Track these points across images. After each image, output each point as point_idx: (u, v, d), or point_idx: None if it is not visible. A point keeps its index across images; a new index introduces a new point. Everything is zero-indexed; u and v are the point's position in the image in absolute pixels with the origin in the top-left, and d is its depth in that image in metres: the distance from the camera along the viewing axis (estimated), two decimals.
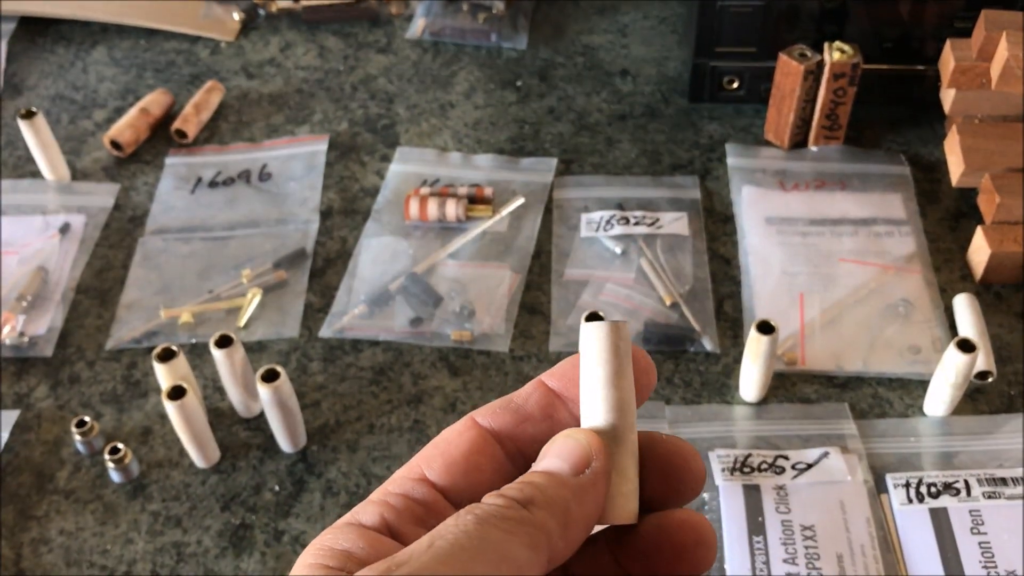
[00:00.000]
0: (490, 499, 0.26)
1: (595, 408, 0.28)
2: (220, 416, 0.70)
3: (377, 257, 0.79)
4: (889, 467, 0.64)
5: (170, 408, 0.62)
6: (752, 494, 0.63)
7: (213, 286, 0.78)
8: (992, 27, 0.74)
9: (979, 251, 0.75)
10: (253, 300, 0.76)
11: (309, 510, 0.65)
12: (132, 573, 0.62)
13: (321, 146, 0.89)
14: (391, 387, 0.71)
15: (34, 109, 0.83)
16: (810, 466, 0.64)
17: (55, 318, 0.76)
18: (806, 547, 0.60)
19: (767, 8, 0.82)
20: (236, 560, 0.62)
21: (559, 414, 0.29)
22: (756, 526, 0.61)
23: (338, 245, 0.81)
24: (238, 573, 0.62)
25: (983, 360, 0.68)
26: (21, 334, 0.74)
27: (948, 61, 0.77)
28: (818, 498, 0.62)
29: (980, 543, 0.60)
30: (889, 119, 0.88)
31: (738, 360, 0.70)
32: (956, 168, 0.77)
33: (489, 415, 0.29)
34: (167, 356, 0.65)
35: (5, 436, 0.69)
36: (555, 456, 0.27)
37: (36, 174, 0.87)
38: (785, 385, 0.70)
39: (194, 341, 0.74)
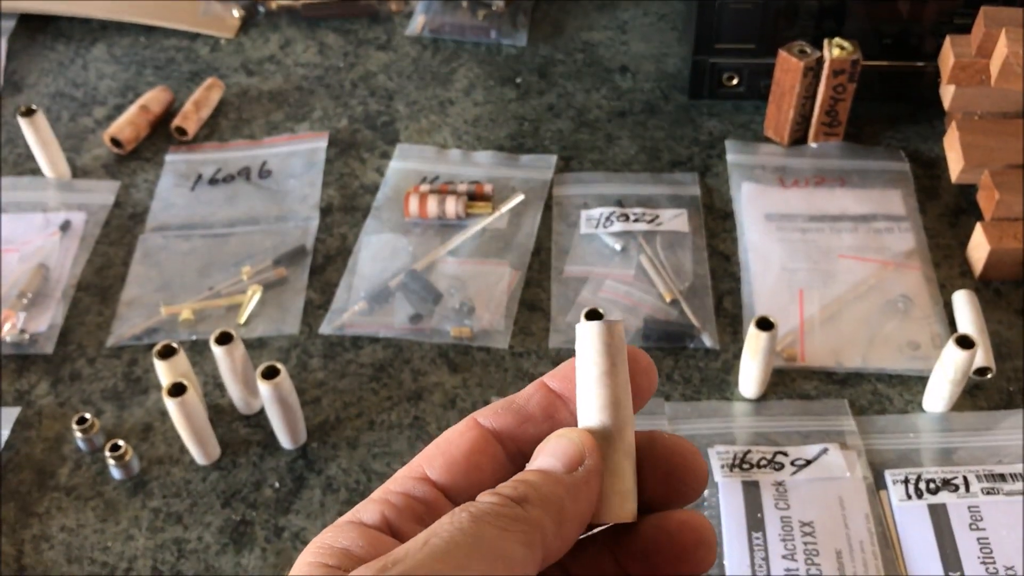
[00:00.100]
0: (485, 497, 0.26)
1: (588, 407, 0.28)
2: (220, 413, 0.70)
3: (377, 254, 0.79)
4: (888, 463, 0.65)
5: (171, 405, 0.63)
6: (751, 490, 0.63)
7: (213, 283, 0.78)
8: (991, 24, 0.74)
9: (978, 247, 0.75)
10: (253, 297, 0.76)
11: (309, 506, 0.65)
12: (133, 569, 0.62)
13: (321, 143, 0.89)
14: (391, 384, 0.71)
15: (34, 107, 0.83)
16: (809, 462, 0.64)
17: (56, 315, 0.76)
18: (805, 543, 0.60)
19: (766, 5, 0.82)
20: (237, 556, 0.63)
21: (560, 415, 0.30)
22: (755, 522, 0.61)
23: (338, 242, 0.81)
24: (238, 569, 0.62)
25: (982, 356, 0.68)
26: (22, 331, 0.75)
27: (947, 57, 0.77)
28: (817, 494, 0.63)
29: (979, 539, 0.60)
30: (889, 115, 0.88)
31: (737, 356, 0.70)
32: (955, 164, 0.77)
33: (491, 415, 0.30)
34: (167, 353, 0.65)
35: (6, 433, 0.69)
36: (549, 455, 0.28)
37: (36, 172, 0.87)
38: (784, 381, 0.70)
39: (194, 338, 0.74)
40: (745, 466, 0.64)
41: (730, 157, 0.85)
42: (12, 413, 0.70)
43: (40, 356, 0.74)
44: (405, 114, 0.91)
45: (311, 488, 0.66)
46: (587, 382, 0.28)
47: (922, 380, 0.69)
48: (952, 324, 0.72)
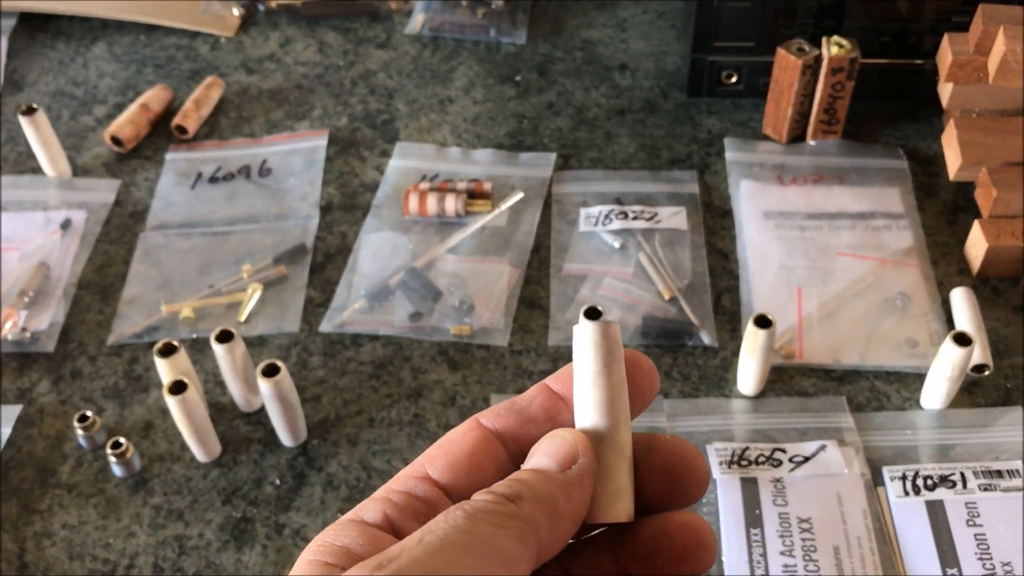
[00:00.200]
0: (480, 496, 0.26)
1: (582, 408, 0.29)
2: (221, 410, 0.70)
3: (377, 252, 0.79)
4: (886, 460, 0.65)
5: (171, 403, 0.63)
6: (749, 487, 0.63)
7: (214, 281, 0.78)
8: (990, 21, 0.74)
9: (976, 245, 0.75)
10: (253, 295, 0.76)
11: (310, 504, 0.65)
12: (134, 566, 0.63)
13: (321, 141, 0.89)
14: (391, 381, 0.72)
15: (35, 105, 0.83)
16: (807, 459, 0.64)
17: (57, 313, 0.76)
18: (803, 539, 0.61)
19: (765, 3, 0.83)
20: (237, 553, 0.63)
21: (562, 416, 0.30)
22: (753, 519, 0.62)
23: (338, 240, 0.81)
24: (239, 566, 0.62)
25: (979, 353, 0.69)
26: (23, 329, 0.75)
27: (946, 55, 0.77)
28: (815, 491, 0.63)
29: (976, 535, 0.60)
30: (887, 113, 0.89)
31: (736, 354, 0.70)
32: (953, 162, 0.78)
33: (493, 417, 0.30)
34: (168, 351, 0.65)
35: (8, 431, 0.69)
36: (543, 454, 0.28)
37: (37, 170, 0.88)
38: (783, 378, 0.70)
39: (195, 336, 0.74)
40: (743, 463, 0.64)
41: (729, 155, 0.86)
42: (14, 411, 0.71)
43: (41, 354, 0.74)
44: (405, 112, 0.92)
45: (311, 485, 0.66)
46: (581, 383, 0.29)
47: (920, 377, 0.69)
48: (950, 321, 0.73)
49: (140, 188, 0.86)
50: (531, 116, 0.91)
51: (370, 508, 0.28)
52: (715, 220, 0.81)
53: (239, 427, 0.69)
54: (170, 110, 0.92)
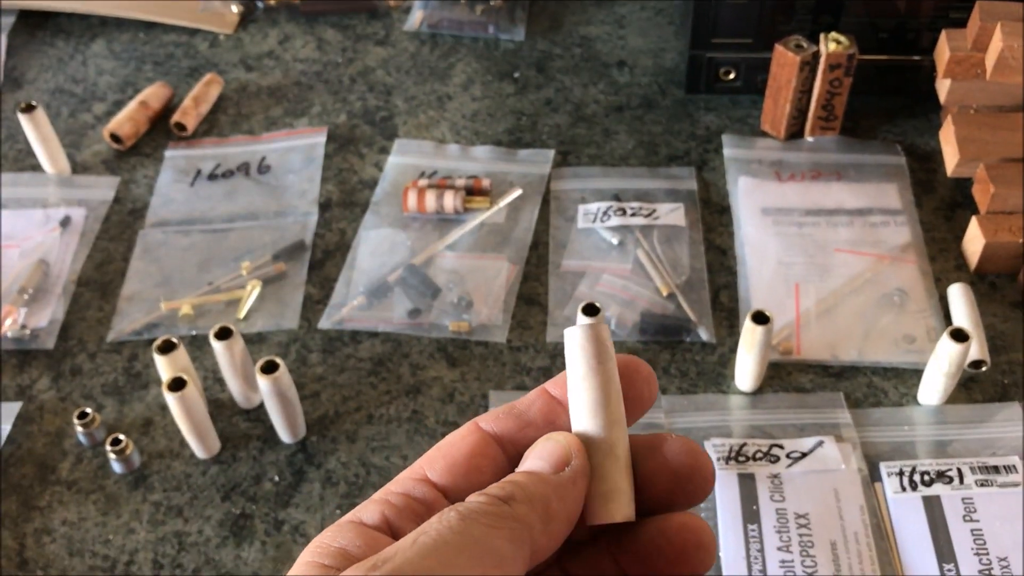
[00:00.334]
0: (474, 497, 0.27)
1: (574, 411, 0.29)
2: (220, 407, 0.70)
3: (376, 249, 0.80)
4: (883, 455, 0.65)
5: (171, 399, 0.63)
6: (747, 483, 0.63)
7: (213, 278, 0.78)
8: (987, 18, 0.74)
9: (974, 241, 0.75)
10: (252, 292, 0.76)
11: (309, 500, 0.65)
12: (134, 562, 0.63)
13: (320, 138, 0.89)
14: (390, 378, 0.72)
15: (34, 103, 0.83)
16: (805, 455, 0.65)
17: (56, 311, 0.77)
18: (800, 535, 0.61)
19: None
20: (237, 549, 0.63)
21: (560, 420, 0.30)
22: (751, 514, 0.62)
23: (337, 237, 0.81)
24: (238, 562, 0.62)
25: (977, 349, 0.69)
26: (23, 327, 0.75)
27: (943, 51, 0.77)
28: (812, 487, 0.63)
29: (972, 530, 0.61)
30: (885, 109, 0.89)
31: (734, 350, 0.70)
32: (951, 158, 0.78)
33: (492, 420, 0.30)
34: (167, 348, 0.66)
35: (8, 428, 0.70)
36: (536, 457, 0.29)
37: (36, 167, 0.88)
38: (780, 375, 0.70)
39: (194, 333, 0.75)
40: (741, 459, 0.64)
41: (727, 151, 0.86)
42: (13, 408, 0.71)
43: (41, 351, 0.74)
44: (403, 109, 0.92)
45: (310, 482, 0.66)
46: (572, 386, 0.29)
47: (917, 373, 0.69)
48: (947, 317, 0.73)
49: (139, 185, 0.86)
50: (529, 113, 0.91)
51: (368, 509, 0.28)
52: (713, 216, 0.81)
53: (238, 424, 0.70)
54: (169, 107, 0.92)
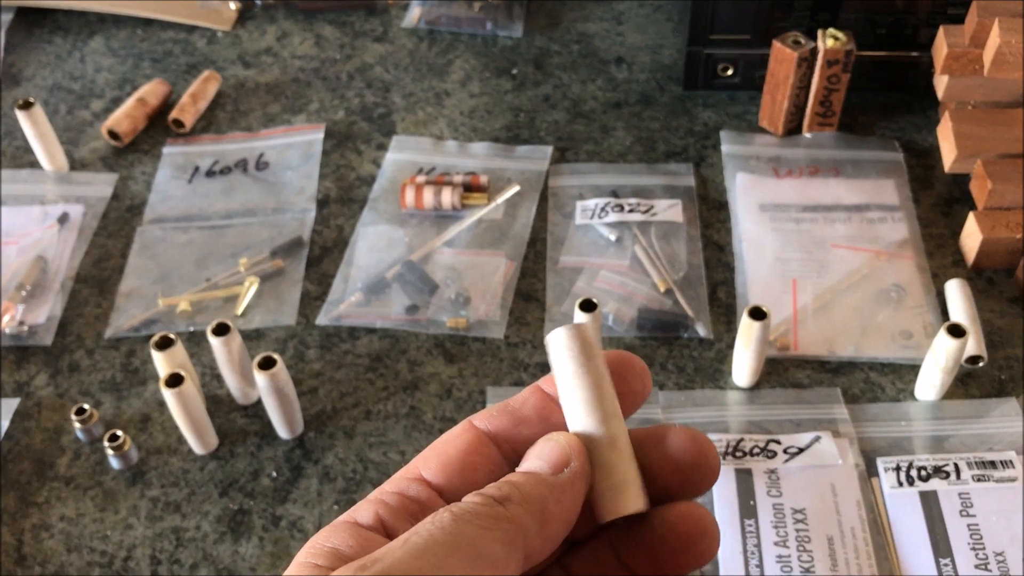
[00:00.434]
0: (469, 498, 0.27)
1: (568, 412, 0.29)
2: (218, 403, 0.71)
3: (373, 245, 0.80)
4: (880, 451, 0.65)
5: (168, 396, 0.63)
6: (744, 478, 0.63)
7: (211, 275, 0.78)
8: (985, 14, 0.74)
9: (971, 236, 0.75)
10: (250, 288, 0.76)
11: (306, 496, 0.65)
12: (132, 558, 0.63)
13: (318, 135, 0.89)
14: (387, 374, 0.72)
15: (32, 100, 0.83)
16: (802, 450, 0.65)
17: (54, 307, 0.77)
18: (797, 530, 0.61)
19: None
20: (234, 545, 0.63)
21: (554, 417, 0.30)
22: (748, 509, 0.62)
23: (335, 233, 0.81)
24: (236, 558, 0.63)
25: (974, 345, 0.69)
26: (21, 323, 0.75)
27: (941, 48, 0.77)
28: (809, 482, 0.63)
29: (969, 525, 0.61)
30: (883, 106, 0.89)
31: (731, 346, 0.71)
32: (949, 154, 0.78)
33: (486, 418, 0.30)
34: (165, 344, 0.66)
35: (6, 424, 0.70)
36: (535, 458, 0.28)
37: (34, 164, 0.88)
38: (777, 370, 0.70)
39: (192, 329, 0.75)
40: (738, 454, 0.65)
41: (724, 148, 0.86)
42: (11, 404, 0.71)
43: (39, 348, 0.74)
44: (401, 106, 0.92)
45: (308, 477, 0.66)
46: (563, 388, 0.29)
47: (914, 368, 0.69)
48: (944, 313, 0.73)
49: (137, 182, 0.86)
50: (527, 109, 0.91)
51: (363, 509, 0.28)
52: (711, 212, 0.81)
53: (236, 420, 0.70)
54: (167, 104, 0.92)
